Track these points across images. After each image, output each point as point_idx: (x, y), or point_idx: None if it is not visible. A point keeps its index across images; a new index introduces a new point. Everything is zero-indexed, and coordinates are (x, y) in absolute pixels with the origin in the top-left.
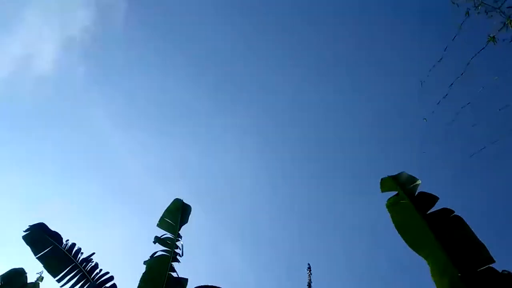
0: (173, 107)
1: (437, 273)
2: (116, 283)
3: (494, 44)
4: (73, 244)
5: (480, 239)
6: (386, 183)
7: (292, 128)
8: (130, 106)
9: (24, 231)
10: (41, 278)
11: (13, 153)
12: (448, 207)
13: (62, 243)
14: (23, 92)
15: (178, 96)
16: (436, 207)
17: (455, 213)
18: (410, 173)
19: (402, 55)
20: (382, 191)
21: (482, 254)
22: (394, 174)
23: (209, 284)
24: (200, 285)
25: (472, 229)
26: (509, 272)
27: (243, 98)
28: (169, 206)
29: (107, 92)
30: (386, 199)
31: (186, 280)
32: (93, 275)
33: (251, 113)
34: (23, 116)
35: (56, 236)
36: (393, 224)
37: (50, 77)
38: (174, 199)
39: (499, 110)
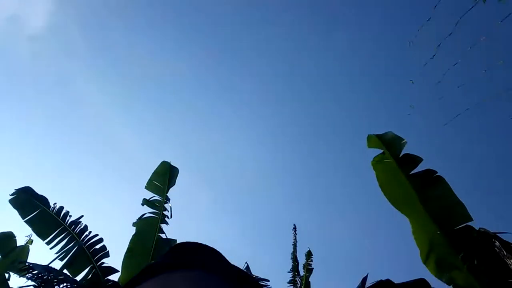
0: (168, 71)
1: (418, 230)
2: (105, 244)
3: (484, 2)
4: (61, 207)
5: (460, 198)
6: (373, 141)
7: (283, 87)
8: (125, 73)
9: (11, 195)
10: (30, 241)
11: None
12: (432, 167)
13: (50, 206)
14: (14, 53)
15: (174, 59)
16: (420, 167)
17: (437, 174)
18: (396, 133)
19: (389, 15)
20: (369, 147)
21: (461, 213)
22: (380, 133)
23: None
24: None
25: (453, 189)
26: (485, 230)
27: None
28: (156, 169)
29: (102, 58)
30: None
31: (175, 241)
32: (82, 237)
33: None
34: (14, 81)
35: (43, 200)
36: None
37: (43, 37)
38: (162, 162)
39: (484, 71)
